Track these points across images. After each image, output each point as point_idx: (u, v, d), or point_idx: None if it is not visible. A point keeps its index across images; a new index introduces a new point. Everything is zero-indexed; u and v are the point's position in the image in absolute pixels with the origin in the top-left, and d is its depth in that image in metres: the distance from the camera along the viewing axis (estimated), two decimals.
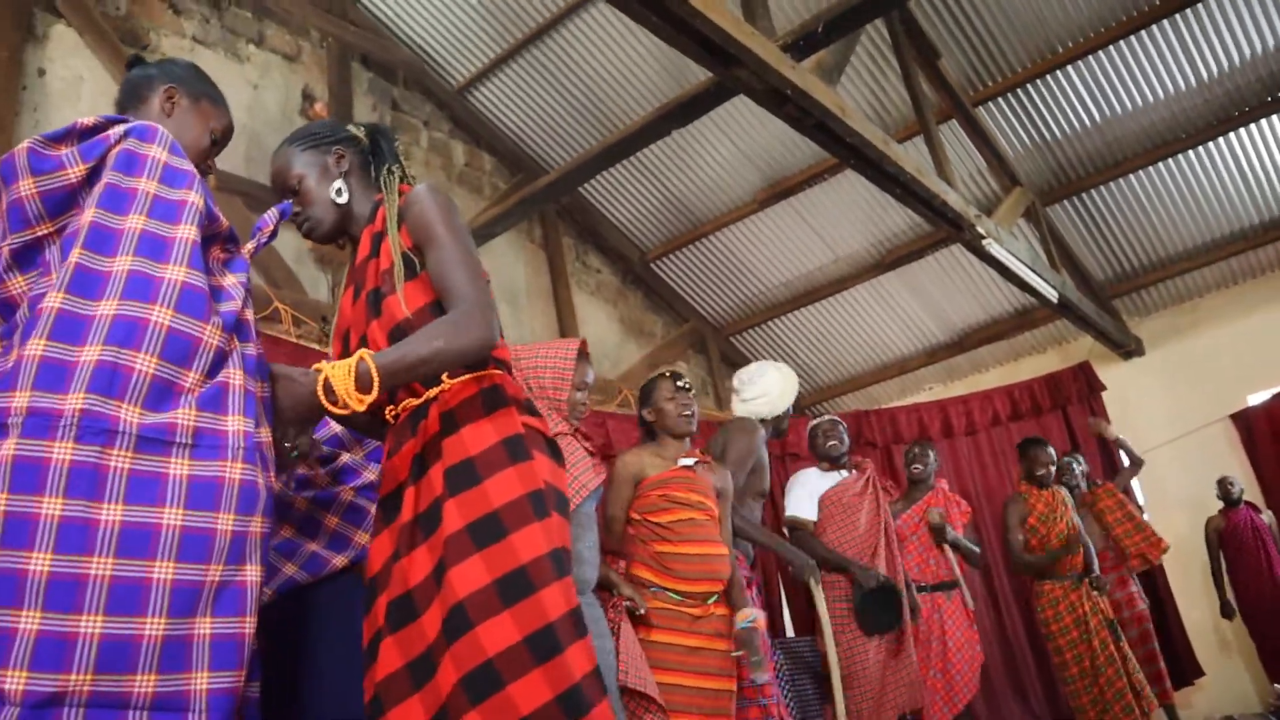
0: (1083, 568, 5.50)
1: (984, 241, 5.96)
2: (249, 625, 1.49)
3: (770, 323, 8.95)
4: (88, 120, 1.69)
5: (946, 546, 5.17)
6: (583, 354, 3.02)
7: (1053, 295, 6.76)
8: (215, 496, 1.49)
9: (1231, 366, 7.75)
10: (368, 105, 6.68)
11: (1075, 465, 6.36)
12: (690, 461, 3.33)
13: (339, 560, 2.16)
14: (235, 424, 1.56)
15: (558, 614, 1.61)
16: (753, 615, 3.17)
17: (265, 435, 1.64)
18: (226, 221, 1.74)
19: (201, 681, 1.42)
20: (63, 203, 1.62)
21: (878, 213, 7.77)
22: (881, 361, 9.24)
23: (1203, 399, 7.81)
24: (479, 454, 1.73)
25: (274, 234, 1.88)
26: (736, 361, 8.62)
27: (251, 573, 1.52)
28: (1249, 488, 7.38)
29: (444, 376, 1.82)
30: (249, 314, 1.71)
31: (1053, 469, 5.72)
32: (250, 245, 1.84)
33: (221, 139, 1.98)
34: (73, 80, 5.03)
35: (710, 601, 3.14)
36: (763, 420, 4.12)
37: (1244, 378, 7.73)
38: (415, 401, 1.83)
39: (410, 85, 7.05)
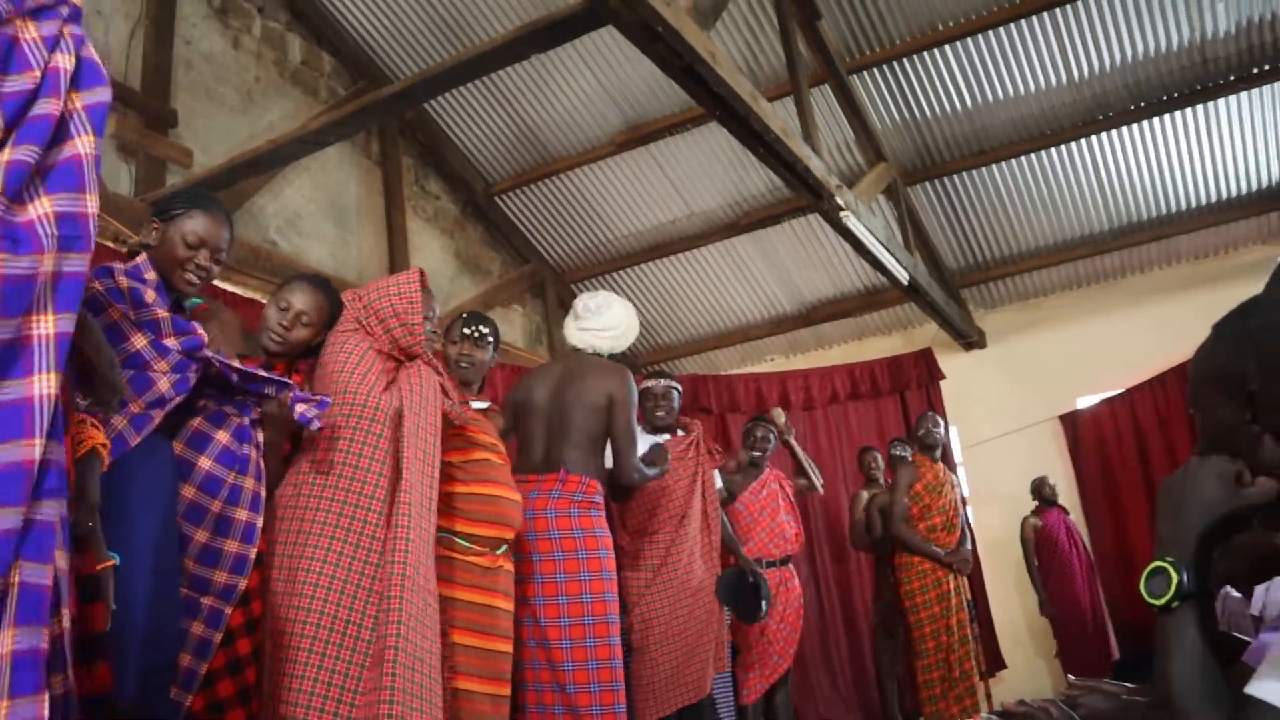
0: (955, 546, 5.91)
1: (841, 214, 6.06)
2: None
3: (615, 273, 8.97)
4: None
5: (788, 522, 5.50)
6: (424, 285, 3.02)
7: (904, 277, 6.96)
8: None
9: (1065, 368, 8.21)
10: None
11: (877, 457, 6.85)
12: (483, 405, 3.38)
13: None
14: None
15: None
16: None
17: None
18: None
19: None
20: None
21: (738, 172, 7.87)
22: (725, 327, 9.41)
23: (1035, 397, 8.27)
24: None
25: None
26: None
27: None
28: (1067, 489, 7.88)
29: None
30: None
31: (940, 440, 6.18)
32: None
33: None
34: None
35: (500, 552, 3.10)
36: (598, 355, 3.99)
37: (1076, 381, 8.21)
38: None
39: None
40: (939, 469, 6.08)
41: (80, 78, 1.52)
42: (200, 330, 2.39)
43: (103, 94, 1.54)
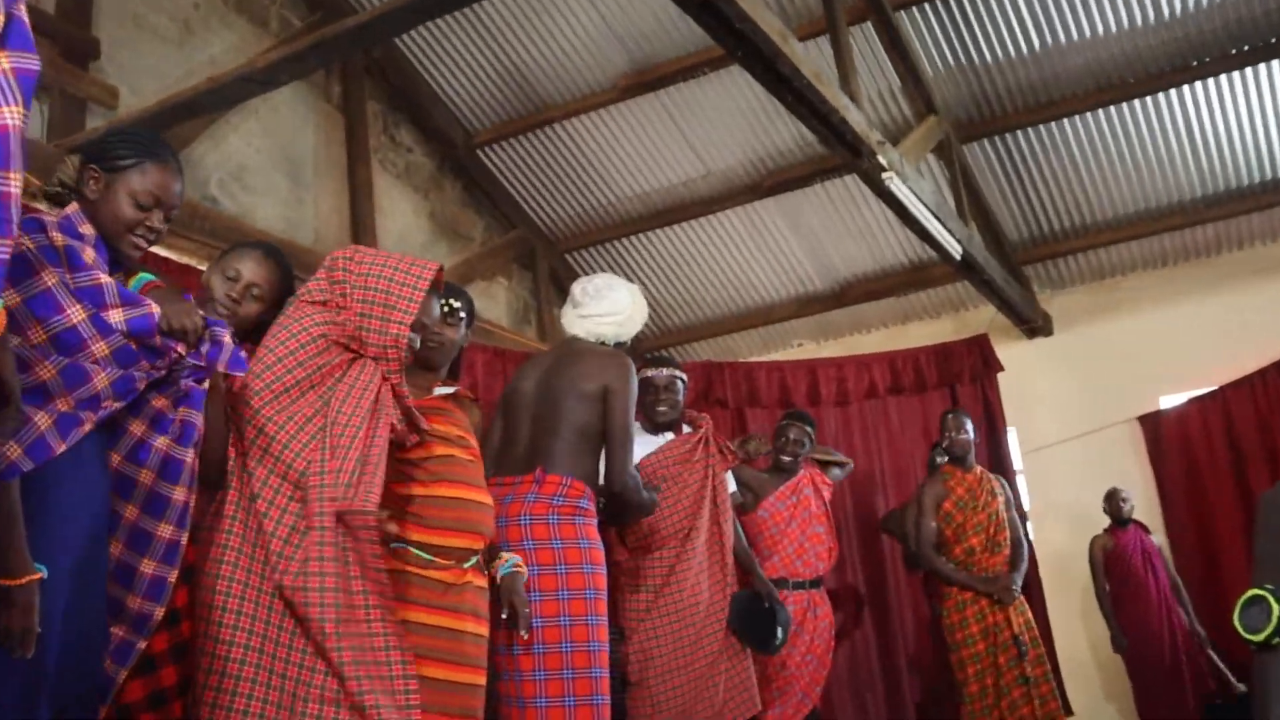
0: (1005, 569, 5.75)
1: (884, 175, 5.95)
2: None
3: (617, 242, 8.99)
4: None
5: (822, 534, 5.45)
6: (436, 285, 2.92)
7: (956, 251, 6.82)
8: None
9: (1148, 361, 8.03)
10: None
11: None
12: (449, 390, 3.28)
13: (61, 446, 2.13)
14: None
15: None
16: (514, 559, 3.24)
17: None
18: None
19: None
20: None
21: (763, 124, 7.83)
22: (745, 306, 9.43)
23: (1110, 395, 8.13)
24: None
25: None
26: (569, 284, 8.42)
27: None
28: (1147, 502, 7.70)
29: None
30: None
31: (970, 445, 5.95)
32: None
33: None
34: None
35: (469, 565, 2.98)
36: (603, 344, 4.00)
37: (1159, 376, 8.05)
38: None
39: None
40: (972, 479, 5.89)
41: (9, 37, 1.58)
42: (153, 307, 2.25)
43: (32, 61, 1.61)
